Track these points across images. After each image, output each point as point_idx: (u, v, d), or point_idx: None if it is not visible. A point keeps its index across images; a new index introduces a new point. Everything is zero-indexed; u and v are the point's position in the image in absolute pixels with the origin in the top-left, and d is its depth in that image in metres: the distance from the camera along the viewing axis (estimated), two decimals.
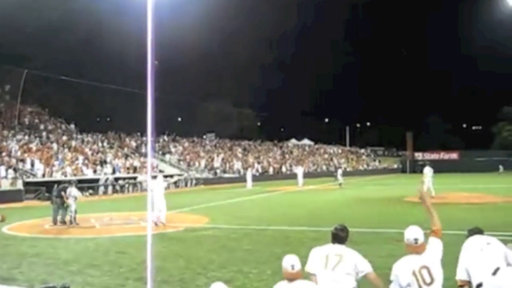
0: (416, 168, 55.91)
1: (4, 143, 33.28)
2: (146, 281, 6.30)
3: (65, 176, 30.87)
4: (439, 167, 51.54)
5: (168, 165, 44.38)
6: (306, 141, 77.85)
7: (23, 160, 31.80)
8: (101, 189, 33.11)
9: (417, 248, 4.71)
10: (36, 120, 42.23)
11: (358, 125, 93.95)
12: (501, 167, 57.50)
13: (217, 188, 37.63)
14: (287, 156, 62.86)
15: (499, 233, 7.74)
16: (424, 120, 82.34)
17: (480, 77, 74.52)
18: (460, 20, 75.87)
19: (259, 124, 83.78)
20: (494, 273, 4.56)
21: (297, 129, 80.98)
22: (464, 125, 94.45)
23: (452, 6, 78.41)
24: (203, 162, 48.07)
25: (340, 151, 75.12)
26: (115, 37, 46.88)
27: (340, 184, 36.68)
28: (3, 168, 29.00)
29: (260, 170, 51.21)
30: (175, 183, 35.40)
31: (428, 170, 25.27)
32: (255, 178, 40.07)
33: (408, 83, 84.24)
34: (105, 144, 42.07)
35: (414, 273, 4.55)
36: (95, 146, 40.14)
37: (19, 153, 32.47)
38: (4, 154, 31.42)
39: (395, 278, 4.69)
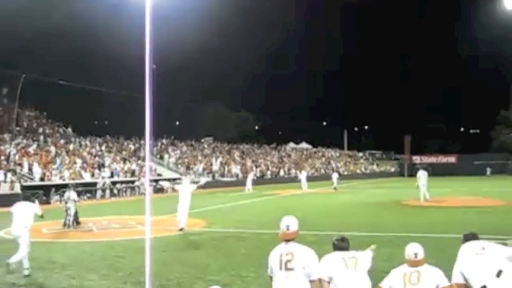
0: (414, 172, 55.38)
1: (2, 147, 33.21)
2: (144, 285, 6.29)
3: (63, 180, 30.84)
4: (437, 171, 51.95)
5: (166, 168, 44.33)
6: (304, 145, 77.87)
7: (20, 164, 31.73)
8: (99, 193, 33.06)
9: (416, 263, 4.82)
10: (34, 124, 42.18)
11: (356, 128, 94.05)
12: (488, 170, 57.73)
13: (215, 191, 37.58)
14: (285, 159, 62.85)
15: (497, 236, 7.74)
16: (422, 123, 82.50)
17: (478, 80, 74.78)
18: (459, 22, 76.27)
19: (257, 128, 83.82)
20: (498, 275, 4.64)
21: (295, 132, 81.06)
22: (462, 129, 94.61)
23: (452, 7, 78.76)
24: (201, 166, 48.04)
25: (338, 154, 75.15)
26: (113, 40, 46.94)
27: (335, 188, 36.68)
28: (1, 172, 28.93)
29: (258, 174, 51.18)
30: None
31: (421, 174, 25.17)
32: (253, 182, 40.05)
33: (406, 86, 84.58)
34: (103, 147, 42.03)
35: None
36: (93, 150, 40.09)
37: (17, 157, 32.41)
38: (2, 158, 31.36)
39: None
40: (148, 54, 6.04)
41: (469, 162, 62.47)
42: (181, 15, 36.62)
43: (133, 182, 36.80)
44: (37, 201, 13.79)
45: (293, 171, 57.41)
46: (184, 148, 52.56)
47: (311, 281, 4.72)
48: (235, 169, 50.55)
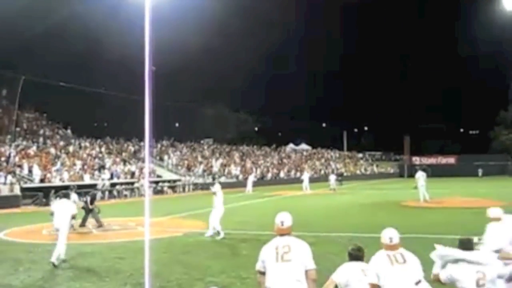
0: (414, 173, 55.60)
1: (2, 149, 33.19)
2: (144, 287, 6.29)
3: (63, 181, 30.81)
4: (437, 172, 51.94)
5: (166, 170, 44.33)
6: (303, 146, 77.84)
7: (20, 166, 31.71)
8: (99, 194, 32.98)
9: (393, 247, 5.16)
10: (34, 126, 42.15)
11: (355, 129, 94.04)
12: (480, 171, 57.78)
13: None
14: (285, 161, 62.83)
15: None
16: (421, 124, 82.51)
17: (478, 80, 74.81)
18: (458, 22, 76.31)
19: (256, 129, 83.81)
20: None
21: (295, 134, 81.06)
22: (462, 130, 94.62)
23: (452, 7, 78.81)
24: (201, 167, 48.04)
25: (337, 155, 75.12)
26: (113, 42, 46.96)
27: (332, 190, 36.66)
28: (1, 174, 28.91)
29: (258, 175, 51.15)
30: None
31: (420, 175, 25.21)
32: (253, 183, 40.06)
33: (405, 86, 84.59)
34: (103, 149, 42.02)
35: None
36: (93, 152, 40.07)
37: (17, 159, 32.39)
38: (2, 159, 31.34)
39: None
40: (148, 55, 6.05)
41: (468, 163, 62.44)
42: (180, 16, 36.60)
43: (132, 183, 36.78)
44: (73, 200, 15.02)
45: (293, 172, 57.41)
46: (184, 150, 52.56)
47: (307, 271, 4.83)
48: (235, 170, 50.54)
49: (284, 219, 5.10)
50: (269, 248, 4.98)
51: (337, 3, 73.76)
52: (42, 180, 30.99)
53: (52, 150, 36.50)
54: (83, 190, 30.53)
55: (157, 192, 36.63)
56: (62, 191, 18.01)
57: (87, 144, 41.96)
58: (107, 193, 33.67)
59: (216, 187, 14.80)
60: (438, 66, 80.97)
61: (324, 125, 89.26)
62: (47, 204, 27.73)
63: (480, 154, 65.21)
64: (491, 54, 68.45)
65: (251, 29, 66.65)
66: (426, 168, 34.73)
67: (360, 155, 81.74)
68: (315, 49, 77.53)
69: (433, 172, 45.60)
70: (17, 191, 27.85)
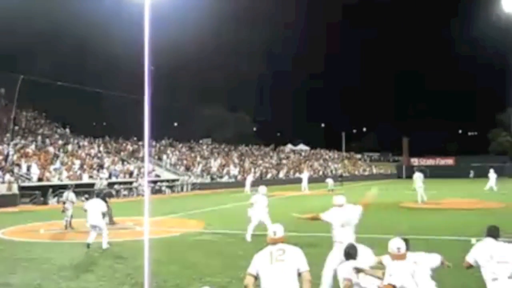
0: (412, 174, 55.80)
1: (0, 147, 33.15)
2: (142, 287, 6.29)
3: (61, 181, 30.77)
4: (435, 173, 51.96)
5: (165, 170, 44.29)
6: (302, 146, 77.88)
7: (19, 165, 31.65)
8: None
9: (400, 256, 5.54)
10: (33, 124, 42.10)
11: (354, 130, 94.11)
12: (471, 173, 57.87)
13: (213, 193, 37.59)
14: (284, 161, 62.84)
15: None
16: (420, 125, 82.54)
17: (476, 82, 74.91)
18: (456, 25, 76.29)
19: (255, 129, 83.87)
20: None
21: (293, 134, 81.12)
22: (460, 131, 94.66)
23: (450, 10, 78.84)
24: (199, 167, 48.02)
25: (336, 156, 75.16)
26: (112, 42, 46.92)
27: (330, 190, 36.65)
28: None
29: (257, 175, 51.11)
30: None
31: (417, 176, 25.24)
32: (252, 184, 40.00)
33: (404, 88, 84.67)
34: (101, 148, 41.98)
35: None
36: (91, 151, 40.03)
37: (15, 157, 32.34)
38: (0, 158, 31.29)
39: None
40: (147, 56, 6.05)
41: (467, 164, 62.52)
42: (179, 16, 36.58)
43: (131, 183, 36.73)
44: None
45: (292, 172, 57.40)
46: (183, 149, 52.53)
47: (301, 273, 4.99)
48: (234, 170, 50.53)
49: (276, 229, 5.32)
50: (262, 254, 5.17)
51: (337, 2, 73.89)
52: (40, 179, 30.94)
53: (51, 149, 36.45)
54: (81, 189, 30.71)
55: (155, 191, 36.57)
56: (96, 190, 18.52)
57: (86, 143, 41.93)
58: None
59: (255, 198, 14.19)
60: (437, 67, 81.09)
61: (322, 125, 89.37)
62: (45, 203, 27.76)
63: (478, 155, 65.29)
64: (490, 55, 68.54)
65: (249, 29, 66.70)
66: (423, 169, 34.81)
67: (359, 156, 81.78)
68: (314, 49, 77.61)
69: (431, 173, 45.67)
70: (15, 190, 27.78)
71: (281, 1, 71.92)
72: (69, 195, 16.97)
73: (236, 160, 54.95)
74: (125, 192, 35.18)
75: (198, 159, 50.77)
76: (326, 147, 77.24)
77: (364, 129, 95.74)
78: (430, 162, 66.29)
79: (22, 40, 46.47)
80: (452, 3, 78.05)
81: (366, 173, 69.04)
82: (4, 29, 39.33)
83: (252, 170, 51.80)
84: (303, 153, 72.23)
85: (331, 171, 61.57)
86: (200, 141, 61.33)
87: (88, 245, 12.21)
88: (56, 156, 35.48)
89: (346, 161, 73.11)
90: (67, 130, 44.77)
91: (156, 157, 45.72)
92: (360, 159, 79.62)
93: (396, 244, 5.56)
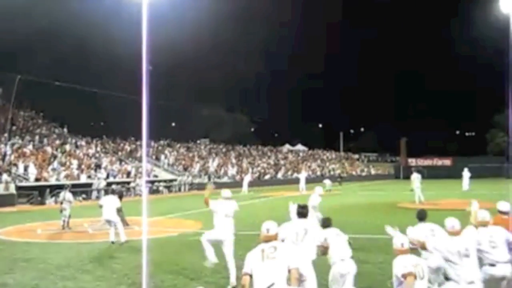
0: (410, 174, 55.74)
1: None
2: (139, 287, 6.28)
3: (59, 180, 30.72)
4: (433, 174, 51.95)
5: (162, 170, 44.26)
6: (299, 147, 77.90)
7: (16, 164, 31.59)
8: (94, 193, 32.91)
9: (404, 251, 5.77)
10: (30, 124, 42.01)
11: (352, 130, 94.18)
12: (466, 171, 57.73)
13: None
14: (281, 161, 62.86)
15: None
16: (417, 126, 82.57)
17: (475, 82, 74.87)
18: (456, 25, 76.28)
19: (253, 129, 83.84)
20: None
21: (291, 134, 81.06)
22: (458, 132, 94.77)
23: (450, 10, 78.81)
24: (197, 167, 48.00)
25: (334, 156, 75.22)
26: (110, 41, 46.81)
27: (328, 190, 36.69)
28: None
29: (255, 176, 51.13)
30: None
31: (415, 177, 25.29)
32: (250, 184, 40.01)
33: (402, 88, 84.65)
34: (99, 148, 41.92)
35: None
36: (89, 151, 39.98)
37: (12, 157, 32.27)
38: None
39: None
40: (145, 55, 6.06)
41: (464, 165, 62.51)
42: (177, 16, 36.51)
43: (128, 183, 36.69)
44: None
45: (290, 172, 57.39)
46: (181, 150, 52.52)
47: (290, 270, 5.05)
48: (232, 170, 50.53)
49: (270, 227, 5.40)
50: (255, 252, 5.23)
51: (337, 2, 73.87)
52: (37, 179, 30.87)
53: (48, 149, 36.38)
54: (79, 189, 30.69)
55: (153, 191, 36.55)
56: (111, 187, 18.77)
57: (83, 143, 41.88)
58: (102, 192, 33.55)
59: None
60: (436, 67, 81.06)
61: (320, 125, 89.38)
62: (42, 203, 27.71)
63: (476, 156, 65.32)
64: (490, 55, 68.47)
65: (247, 29, 66.64)
66: (421, 170, 34.84)
67: (356, 156, 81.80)
68: (312, 48, 77.53)
69: (429, 174, 45.66)
70: (12, 190, 27.73)
71: (278, 0, 71.76)
72: (66, 195, 16.93)
73: (234, 160, 54.95)
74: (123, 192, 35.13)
75: (196, 159, 50.77)
76: (324, 147, 77.25)
77: (362, 129, 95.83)
78: (427, 162, 66.26)
79: (20, 40, 46.33)
80: (452, 3, 77.81)
81: (364, 173, 69.09)
82: (1, 29, 39.22)
83: (250, 170, 51.79)
84: (301, 154, 72.26)
85: (329, 171, 61.59)
86: (198, 141, 61.34)
87: (112, 242, 12.96)
88: (53, 156, 35.40)
89: (343, 162, 73.14)
90: (65, 130, 44.67)
91: (154, 157, 45.70)
92: (358, 160, 79.63)
93: (400, 240, 5.93)
